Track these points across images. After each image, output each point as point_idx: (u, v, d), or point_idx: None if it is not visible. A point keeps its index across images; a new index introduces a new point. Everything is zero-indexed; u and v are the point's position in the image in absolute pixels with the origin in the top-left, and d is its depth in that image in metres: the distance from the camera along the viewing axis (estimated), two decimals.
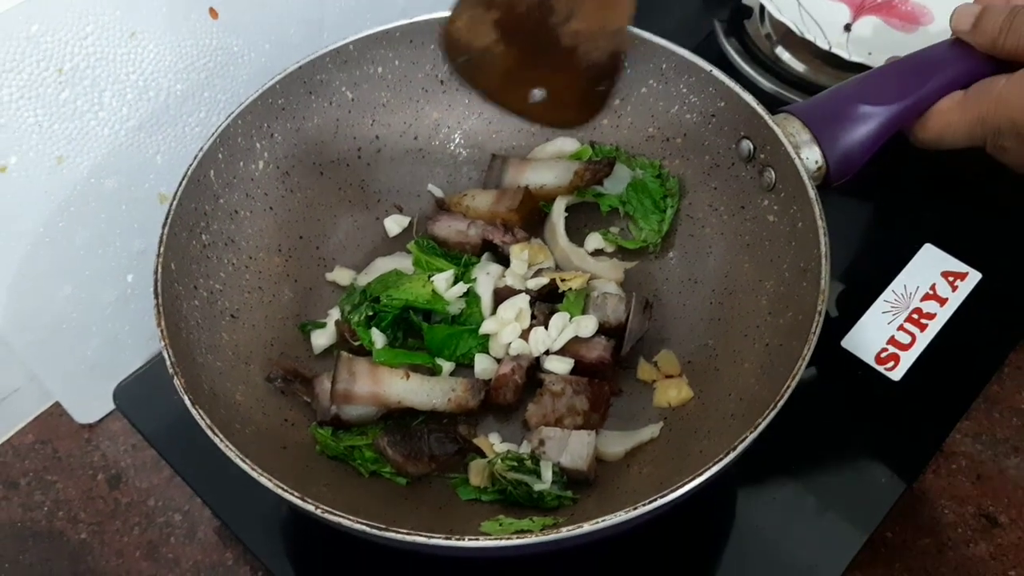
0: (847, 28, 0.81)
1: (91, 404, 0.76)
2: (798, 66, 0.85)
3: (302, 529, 0.64)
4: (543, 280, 0.66)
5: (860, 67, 0.77)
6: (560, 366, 0.63)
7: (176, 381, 0.50)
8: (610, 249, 0.72)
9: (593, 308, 0.64)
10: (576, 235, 0.72)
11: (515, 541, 0.46)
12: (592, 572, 0.62)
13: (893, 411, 0.68)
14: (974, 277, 0.73)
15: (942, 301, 0.72)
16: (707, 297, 0.66)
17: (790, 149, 0.59)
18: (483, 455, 0.61)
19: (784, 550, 0.62)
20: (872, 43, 0.80)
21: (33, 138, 0.62)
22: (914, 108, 0.62)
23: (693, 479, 0.46)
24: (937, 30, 0.81)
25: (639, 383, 0.66)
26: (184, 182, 0.59)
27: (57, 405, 0.77)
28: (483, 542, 0.46)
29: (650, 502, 0.46)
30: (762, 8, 0.88)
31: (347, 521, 0.46)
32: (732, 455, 0.47)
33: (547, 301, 0.65)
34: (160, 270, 0.55)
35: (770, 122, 0.61)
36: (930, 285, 0.73)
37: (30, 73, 0.60)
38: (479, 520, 0.56)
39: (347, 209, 0.71)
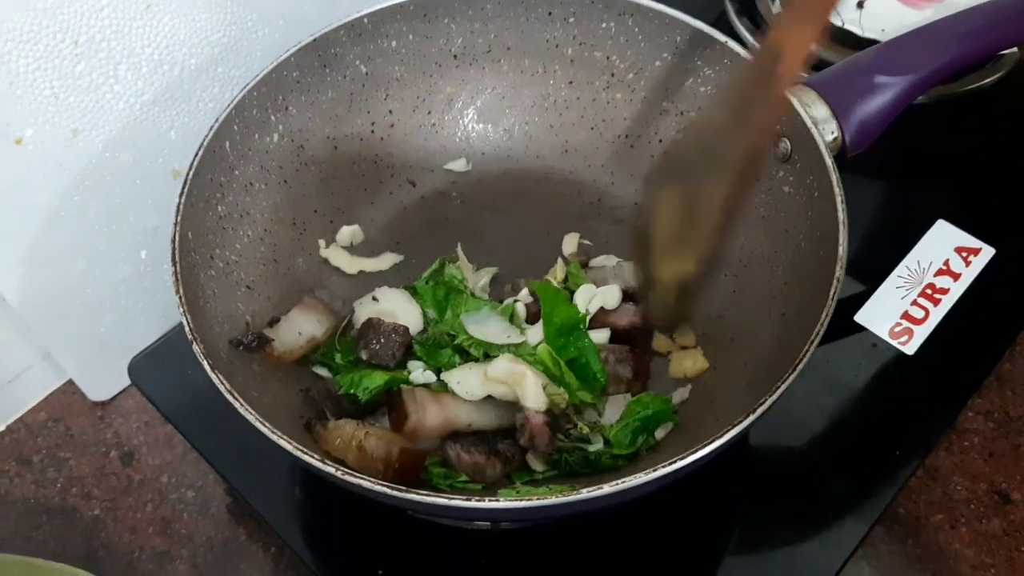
0: (860, 5, 0.81)
1: (104, 382, 0.77)
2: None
3: (318, 502, 0.65)
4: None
5: (873, 44, 0.77)
6: (599, 337, 0.62)
7: (196, 347, 0.51)
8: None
9: (612, 277, 0.64)
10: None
11: (535, 503, 0.46)
12: (602, 547, 0.62)
13: (907, 385, 0.68)
14: (988, 253, 0.73)
15: (956, 276, 0.72)
16: (721, 269, 0.66)
17: (806, 119, 0.59)
18: None
19: (797, 523, 0.62)
20: (885, 20, 0.80)
21: (49, 111, 0.62)
22: (930, 78, 0.62)
23: (710, 443, 0.46)
24: (949, 6, 0.81)
25: (654, 355, 0.66)
26: (200, 152, 0.59)
27: (70, 383, 0.77)
28: (503, 503, 0.46)
29: (670, 463, 0.46)
30: None
31: (366, 483, 0.46)
32: (751, 417, 0.47)
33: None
34: (178, 238, 0.55)
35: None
36: (944, 261, 0.73)
37: (46, 45, 0.60)
38: None
39: (360, 183, 0.71)
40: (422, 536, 0.61)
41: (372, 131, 0.71)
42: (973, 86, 0.81)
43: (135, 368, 0.69)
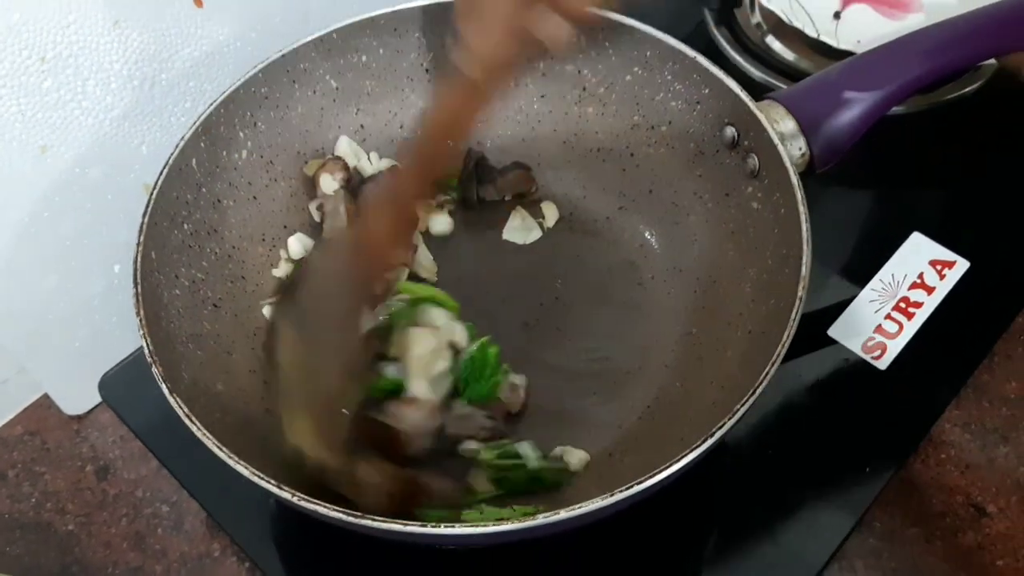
0: (836, 16, 0.81)
1: (80, 395, 0.76)
2: (788, 55, 0.85)
3: (290, 522, 0.64)
4: None
5: (849, 55, 0.77)
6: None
7: (154, 370, 0.50)
8: None
9: None
10: None
11: (492, 528, 0.46)
12: (577, 562, 0.62)
13: (879, 400, 0.68)
14: (962, 266, 0.73)
15: (930, 290, 0.72)
16: (691, 285, 0.66)
17: (773, 135, 0.59)
18: None
19: (770, 538, 0.62)
20: (861, 31, 0.79)
21: (16, 127, 0.62)
22: (899, 93, 0.61)
23: (668, 467, 0.46)
24: (926, 18, 0.80)
25: None
26: (165, 171, 0.59)
27: (46, 397, 0.77)
28: (459, 529, 0.46)
29: (626, 489, 0.46)
30: None
31: (322, 509, 0.46)
32: (709, 442, 0.47)
33: None
34: (140, 259, 0.55)
35: (753, 108, 0.60)
36: (918, 274, 0.73)
37: (12, 62, 0.59)
38: None
39: None
40: (396, 555, 0.61)
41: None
42: (952, 96, 0.81)
43: (106, 385, 0.69)
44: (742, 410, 0.48)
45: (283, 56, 0.64)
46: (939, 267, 0.73)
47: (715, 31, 0.87)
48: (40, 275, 0.68)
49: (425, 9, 0.67)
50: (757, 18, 0.88)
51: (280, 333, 0.57)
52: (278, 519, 0.65)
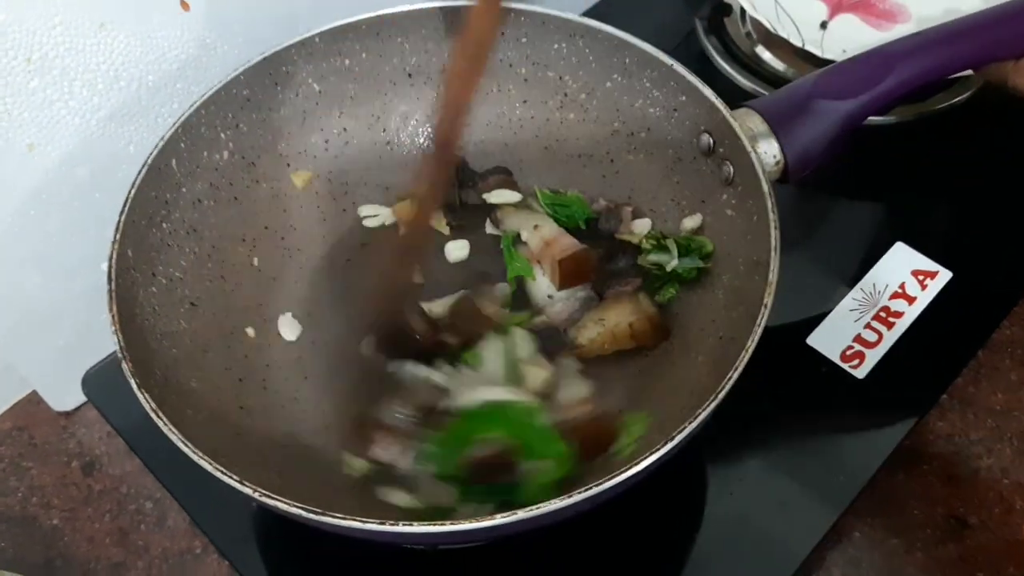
0: (823, 26, 0.81)
1: (67, 392, 0.77)
2: (778, 65, 0.85)
3: (269, 522, 0.65)
4: None
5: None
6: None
7: (125, 365, 0.51)
8: None
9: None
10: None
11: (448, 527, 0.46)
12: (556, 557, 0.62)
13: (855, 409, 0.68)
14: (944, 276, 0.73)
15: (911, 300, 0.72)
16: None
17: (746, 143, 0.59)
18: None
19: (746, 542, 0.63)
20: (847, 41, 0.80)
21: (3, 125, 0.63)
22: (874, 103, 0.61)
23: (626, 471, 0.46)
24: (912, 28, 0.80)
25: None
26: (144, 171, 0.59)
27: (35, 393, 0.78)
28: (418, 527, 0.46)
29: (586, 490, 0.46)
30: (742, 7, 0.88)
31: (282, 505, 0.46)
32: (668, 446, 0.47)
33: None
34: (115, 256, 0.56)
35: (728, 116, 0.61)
36: (899, 283, 0.73)
37: None
38: None
39: (313, 199, 0.72)
40: (374, 554, 0.61)
41: (326, 149, 0.72)
42: (940, 106, 0.81)
43: (88, 382, 0.70)
44: (703, 415, 0.49)
45: (265, 59, 0.65)
46: (921, 277, 0.73)
47: (705, 40, 0.88)
48: (26, 272, 0.69)
49: (408, 14, 0.67)
50: (747, 27, 0.88)
51: None
52: (257, 519, 0.66)
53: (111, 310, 0.53)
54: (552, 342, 0.65)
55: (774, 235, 0.55)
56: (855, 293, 0.73)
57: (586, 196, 0.72)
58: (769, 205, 0.56)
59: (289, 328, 0.68)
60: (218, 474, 0.47)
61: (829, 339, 0.70)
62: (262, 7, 0.72)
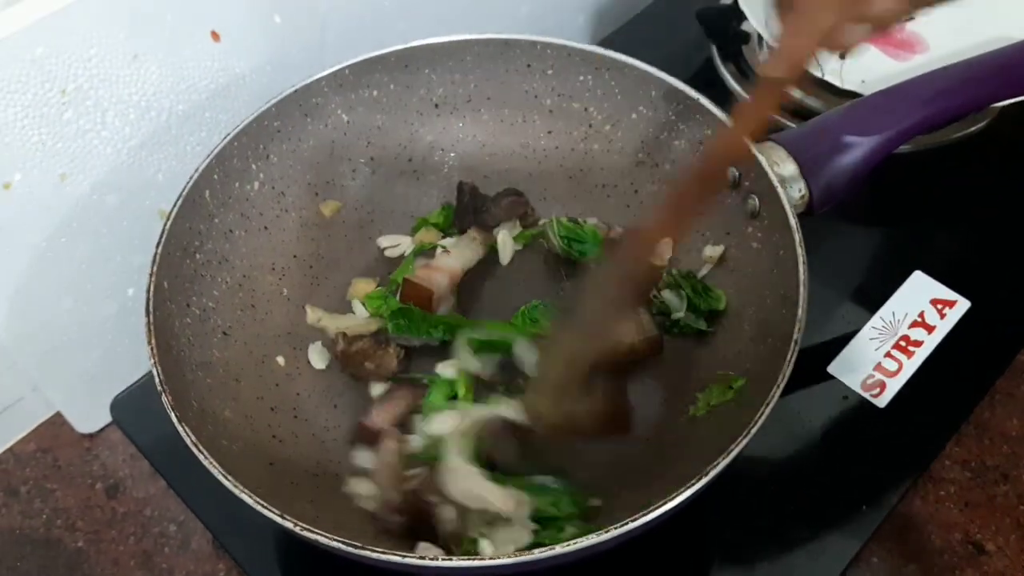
0: (841, 56, 0.82)
1: (92, 414, 0.78)
2: (796, 93, 0.86)
3: (294, 545, 0.65)
4: None
5: (854, 95, 0.78)
6: None
7: (164, 399, 0.52)
8: None
9: None
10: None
11: (489, 562, 0.47)
12: None
13: (878, 438, 0.68)
14: (963, 305, 0.74)
15: (930, 329, 0.73)
16: None
17: (773, 178, 0.60)
18: None
19: (769, 571, 0.63)
20: (866, 71, 0.80)
21: (37, 156, 0.63)
22: (899, 138, 0.62)
23: (658, 507, 0.47)
24: (930, 59, 0.81)
25: None
26: (179, 202, 0.60)
27: (59, 414, 0.79)
28: (461, 562, 0.47)
29: (622, 525, 0.47)
30: (760, 34, 0.89)
31: (323, 539, 0.47)
32: (702, 482, 0.48)
33: None
34: (153, 288, 0.56)
35: (754, 150, 0.61)
36: (919, 312, 0.73)
37: (34, 94, 0.61)
38: None
39: (340, 228, 0.73)
40: None
41: (353, 178, 0.73)
42: (957, 135, 0.81)
43: (117, 406, 0.71)
44: (736, 450, 0.49)
45: (296, 91, 0.66)
46: (940, 306, 0.74)
47: (722, 68, 0.89)
48: (56, 297, 0.70)
49: (435, 46, 0.68)
50: (764, 55, 0.89)
51: None
52: (283, 543, 0.66)
53: (150, 343, 0.54)
54: None
55: (802, 271, 0.56)
56: (875, 322, 0.73)
57: (605, 224, 0.72)
58: (797, 240, 0.57)
59: (319, 356, 0.69)
60: (260, 508, 0.48)
61: (850, 368, 0.71)
62: (291, 37, 0.73)
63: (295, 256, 0.70)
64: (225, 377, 0.61)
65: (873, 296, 0.75)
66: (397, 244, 0.73)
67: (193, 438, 0.50)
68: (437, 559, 0.47)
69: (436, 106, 0.72)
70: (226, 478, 0.49)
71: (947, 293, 0.74)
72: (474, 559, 0.47)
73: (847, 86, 0.78)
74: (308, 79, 0.66)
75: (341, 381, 0.68)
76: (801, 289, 0.55)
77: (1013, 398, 0.78)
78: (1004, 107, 0.80)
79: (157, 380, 0.52)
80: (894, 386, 0.70)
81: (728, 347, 0.64)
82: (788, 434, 0.67)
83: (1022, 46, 0.65)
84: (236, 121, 0.72)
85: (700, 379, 0.63)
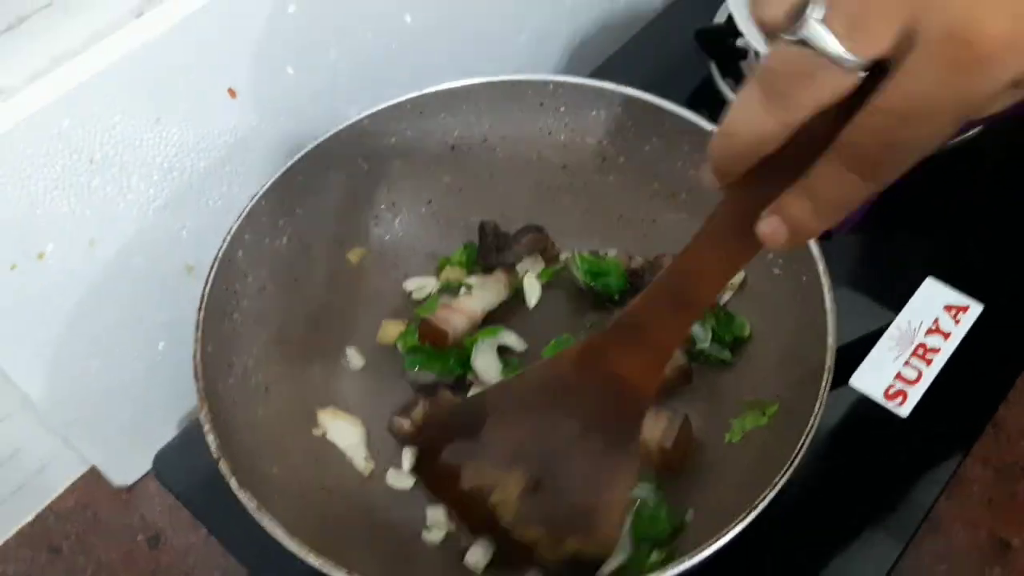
0: None
1: (128, 467, 0.79)
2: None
3: None
4: None
5: None
6: None
7: (222, 465, 0.53)
8: None
9: None
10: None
11: None
12: None
13: (903, 447, 0.70)
14: (976, 309, 0.75)
15: (946, 335, 0.74)
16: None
17: None
18: None
19: None
20: None
21: (67, 225, 0.65)
22: None
23: (716, 542, 0.49)
24: None
25: None
26: (215, 266, 0.61)
27: (95, 469, 0.80)
28: None
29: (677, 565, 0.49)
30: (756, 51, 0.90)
31: None
32: (751, 516, 0.50)
33: None
34: (200, 355, 0.57)
35: None
36: (933, 320, 0.75)
37: (63, 166, 0.62)
38: None
39: (368, 274, 0.74)
40: None
41: (376, 224, 0.74)
42: (957, 139, 0.83)
43: (159, 462, 0.72)
44: (781, 482, 0.51)
45: (317, 145, 0.67)
46: (953, 312, 0.76)
47: (722, 83, 0.90)
48: (87, 359, 0.71)
49: (450, 91, 0.69)
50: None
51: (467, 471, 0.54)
52: None
53: (202, 410, 0.55)
54: None
55: (828, 298, 0.58)
56: (891, 331, 0.75)
57: (625, 254, 0.74)
58: (821, 268, 0.59)
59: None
60: (326, 568, 0.49)
61: (872, 379, 0.72)
62: (303, 86, 0.74)
63: (325, 305, 0.71)
64: (271, 434, 0.62)
65: (888, 305, 0.76)
66: (423, 286, 0.75)
67: (255, 504, 0.51)
68: None
69: (452, 148, 0.73)
70: (290, 538, 0.50)
71: (960, 299, 0.76)
72: None
73: None
74: (328, 133, 0.67)
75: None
76: (829, 316, 0.57)
77: None
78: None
79: (213, 447, 0.54)
80: (915, 394, 0.71)
81: (756, 373, 0.65)
82: (816, 449, 0.69)
83: None
84: (255, 172, 0.73)
85: (732, 405, 0.65)
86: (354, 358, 0.72)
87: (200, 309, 0.59)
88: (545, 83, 0.69)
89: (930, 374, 0.72)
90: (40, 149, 0.61)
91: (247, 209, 0.63)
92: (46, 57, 0.61)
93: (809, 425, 0.53)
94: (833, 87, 0.32)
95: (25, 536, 0.78)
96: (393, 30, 0.78)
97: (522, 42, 0.93)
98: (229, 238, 0.62)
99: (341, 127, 0.68)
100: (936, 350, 0.74)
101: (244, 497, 0.51)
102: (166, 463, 0.72)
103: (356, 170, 0.71)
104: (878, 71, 0.32)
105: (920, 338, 0.74)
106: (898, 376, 0.73)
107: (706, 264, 0.43)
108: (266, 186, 0.64)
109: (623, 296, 0.72)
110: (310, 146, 0.66)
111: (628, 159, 0.72)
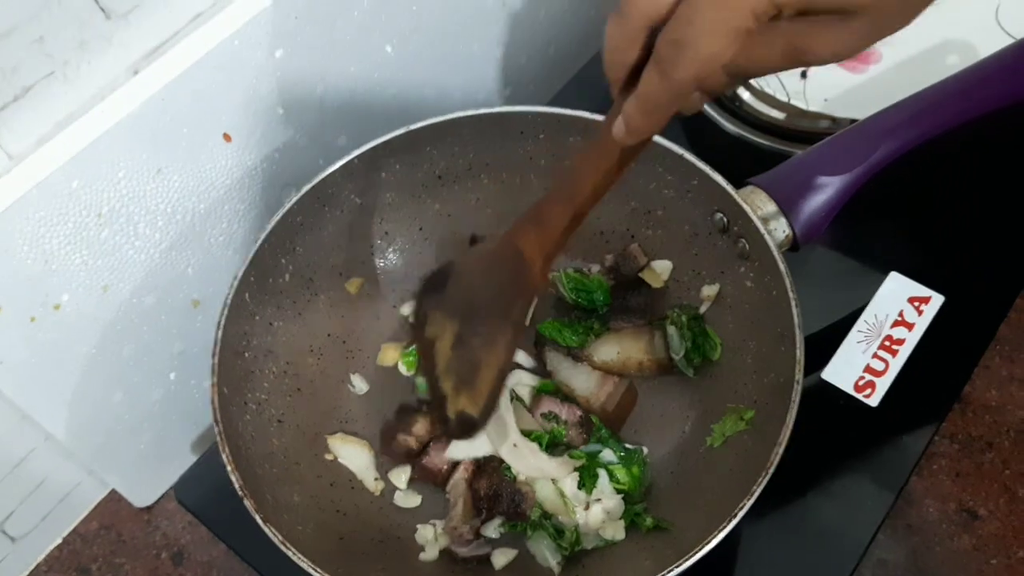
0: (803, 75, 0.87)
1: (147, 489, 0.84)
2: (769, 112, 0.90)
3: None
4: None
5: (820, 115, 0.84)
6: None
7: (247, 503, 0.57)
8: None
9: None
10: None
11: None
12: None
13: (873, 435, 0.74)
14: (937, 300, 0.80)
15: (910, 326, 0.79)
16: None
17: (757, 223, 0.66)
18: None
19: (782, 567, 0.69)
20: (828, 89, 0.86)
21: (81, 276, 0.68)
22: (869, 172, 0.68)
23: (701, 549, 0.54)
24: (884, 69, 0.87)
25: None
26: (226, 311, 0.65)
27: (115, 491, 0.84)
28: None
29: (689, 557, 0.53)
30: None
31: None
32: (731, 524, 0.55)
33: None
34: (217, 397, 0.61)
35: (738, 199, 0.67)
36: (898, 312, 0.79)
37: (75, 222, 0.66)
38: None
39: (366, 301, 0.78)
40: None
41: (372, 253, 0.78)
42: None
43: (180, 488, 0.76)
44: (759, 490, 0.56)
45: (312, 187, 0.70)
46: (917, 303, 0.80)
47: None
48: (107, 393, 0.75)
49: (434, 126, 0.73)
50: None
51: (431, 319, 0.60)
52: None
53: (223, 450, 0.59)
54: None
55: (795, 312, 0.62)
56: (859, 325, 0.79)
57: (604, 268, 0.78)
58: (788, 284, 0.63)
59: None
60: None
61: (842, 372, 0.77)
62: (294, 123, 0.77)
63: (329, 335, 0.75)
64: (287, 464, 0.67)
65: (855, 300, 0.80)
66: None
67: (280, 537, 0.56)
68: None
69: (439, 177, 0.77)
70: (316, 571, 0.55)
71: (922, 290, 0.80)
72: None
73: (812, 108, 0.84)
74: (322, 174, 0.71)
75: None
76: (797, 331, 0.61)
77: (989, 370, 0.85)
78: None
79: (237, 486, 0.58)
80: (883, 385, 0.76)
81: (735, 380, 0.69)
82: (792, 440, 0.73)
83: (970, 73, 0.71)
84: (254, 209, 0.77)
85: (713, 411, 0.69)
86: (359, 383, 0.76)
87: (214, 355, 0.63)
88: (525, 113, 0.73)
89: (896, 365, 0.77)
90: (52, 210, 0.64)
91: (251, 254, 0.67)
92: (51, 123, 0.65)
93: (781, 436, 0.57)
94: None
95: (55, 560, 0.82)
96: (376, 62, 0.82)
97: (499, 66, 0.97)
98: (236, 282, 0.66)
99: (334, 168, 0.71)
100: (901, 341, 0.78)
101: (270, 532, 0.56)
102: (187, 489, 0.76)
103: (350, 205, 0.75)
104: None
105: (887, 330, 0.79)
106: (867, 368, 0.77)
107: (587, 163, 0.52)
108: (267, 229, 0.68)
109: (608, 309, 0.76)
110: (306, 188, 0.70)
111: None
